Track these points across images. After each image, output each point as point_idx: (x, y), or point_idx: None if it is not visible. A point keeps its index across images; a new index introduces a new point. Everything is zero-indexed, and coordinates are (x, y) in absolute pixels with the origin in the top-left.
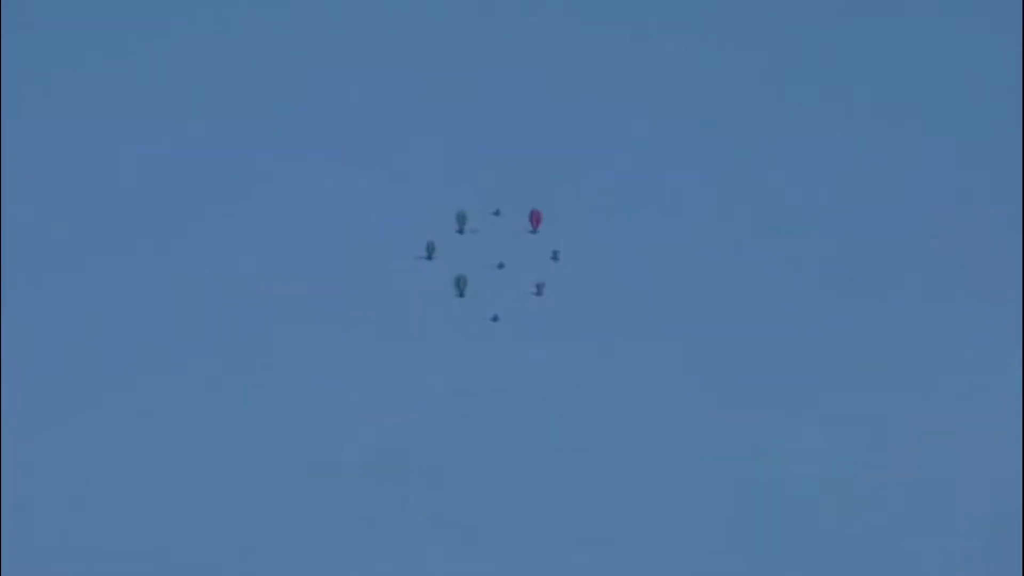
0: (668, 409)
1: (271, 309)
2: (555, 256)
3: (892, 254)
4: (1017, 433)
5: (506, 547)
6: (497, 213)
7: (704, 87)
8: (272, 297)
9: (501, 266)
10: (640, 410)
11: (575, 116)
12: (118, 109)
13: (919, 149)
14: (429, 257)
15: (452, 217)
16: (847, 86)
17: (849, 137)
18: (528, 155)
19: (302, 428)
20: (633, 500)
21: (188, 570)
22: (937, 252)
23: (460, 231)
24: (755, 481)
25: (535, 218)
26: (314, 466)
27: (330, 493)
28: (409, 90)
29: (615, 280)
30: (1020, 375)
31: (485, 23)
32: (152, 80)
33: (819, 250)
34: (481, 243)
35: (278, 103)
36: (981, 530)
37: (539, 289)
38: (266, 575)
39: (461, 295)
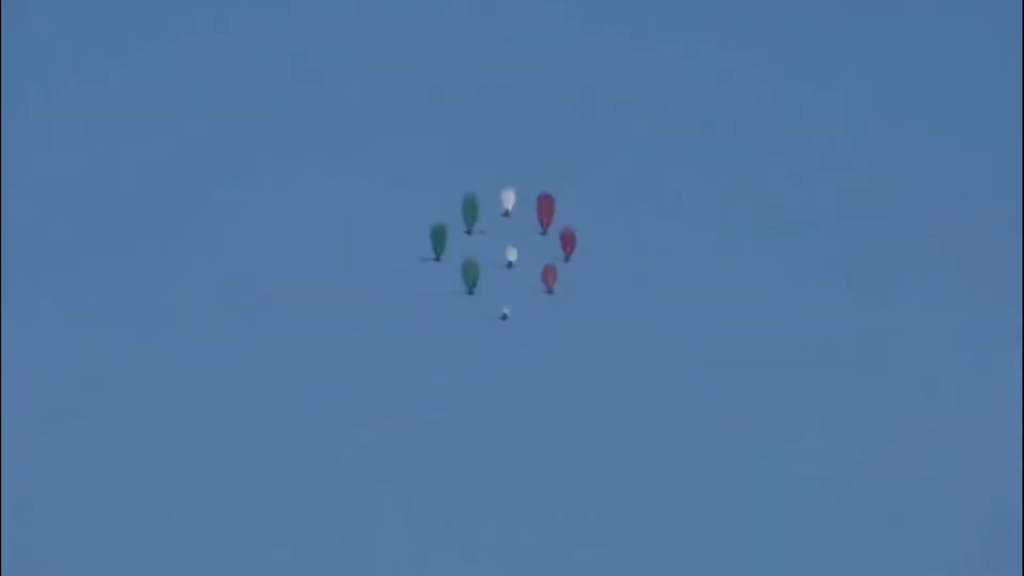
0: (670, 410)
1: (271, 309)
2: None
3: (892, 254)
4: (1017, 433)
5: (509, 547)
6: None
7: (704, 87)
8: (272, 297)
9: (510, 265)
10: (643, 410)
11: (575, 116)
12: (118, 109)
13: (919, 149)
14: (437, 258)
15: (454, 216)
16: (847, 86)
17: (849, 137)
18: (528, 155)
19: (302, 428)
20: (637, 500)
21: (188, 570)
22: (937, 252)
23: (468, 232)
24: (756, 481)
25: (545, 210)
26: (314, 466)
27: (330, 493)
28: (409, 90)
29: (618, 280)
30: (1020, 375)
31: (485, 23)
32: (152, 80)
33: (819, 250)
34: (488, 243)
35: (278, 103)
36: (981, 530)
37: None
38: (266, 575)
39: (470, 292)
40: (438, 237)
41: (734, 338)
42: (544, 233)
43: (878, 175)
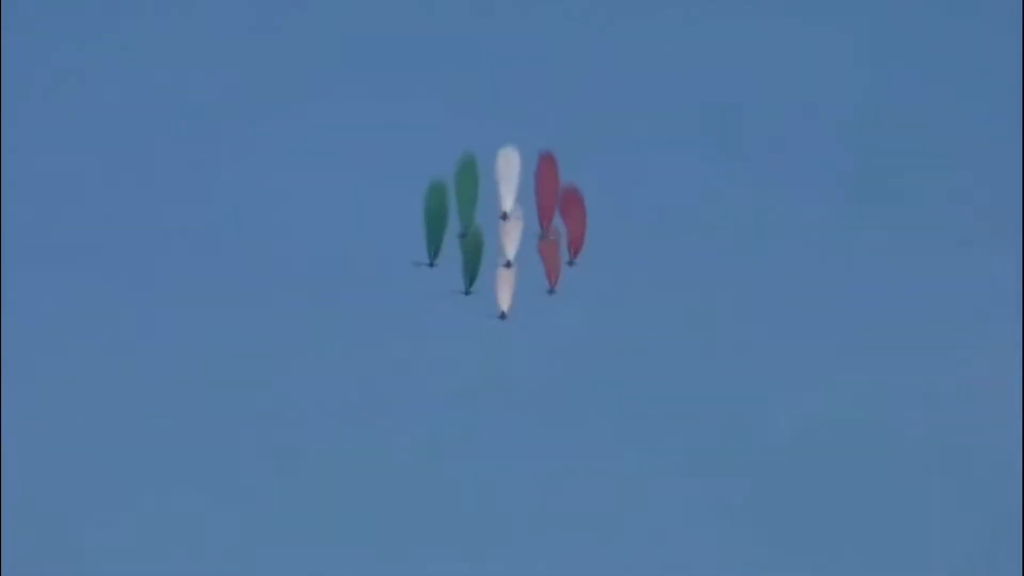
0: (671, 407)
1: (271, 308)
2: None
3: (892, 250)
4: (1018, 433)
5: (509, 547)
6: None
7: (704, 86)
8: (272, 296)
9: (509, 265)
10: (645, 411)
11: (576, 115)
12: (118, 107)
13: (919, 147)
14: (431, 263)
15: (452, 214)
16: (848, 85)
17: (849, 137)
18: (530, 154)
19: (302, 428)
20: (639, 500)
21: (188, 570)
22: (938, 252)
23: (464, 235)
24: (759, 469)
25: (545, 182)
26: (313, 466)
27: (329, 493)
28: (408, 89)
29: (619, 281)
30: (1020, 375)
31: (485, 23)
32: (152, 79)
33: (821, 244)
34: (489, 246)
35: (277, 103)
36: (981, 527)
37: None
38: (266, 575)
39: (468, 291)
40: (435, 202)
41: (734, 328)
42: (543, 235)
43: (877, 173)
